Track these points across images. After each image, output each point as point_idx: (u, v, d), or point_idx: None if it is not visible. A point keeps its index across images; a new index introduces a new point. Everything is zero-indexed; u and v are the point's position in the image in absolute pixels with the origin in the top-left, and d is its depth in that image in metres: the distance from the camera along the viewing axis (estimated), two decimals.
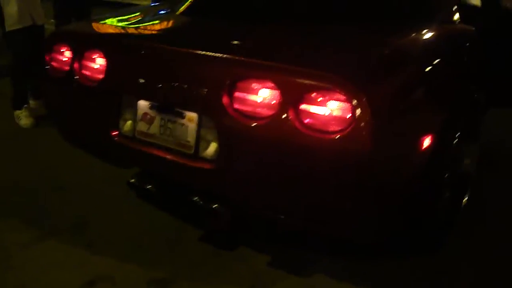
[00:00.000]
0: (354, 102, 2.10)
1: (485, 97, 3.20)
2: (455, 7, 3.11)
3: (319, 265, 2.83)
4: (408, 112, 2.33)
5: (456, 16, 3.10)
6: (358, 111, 2.09)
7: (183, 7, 3.30)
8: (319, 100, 2.19)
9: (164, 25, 3.16)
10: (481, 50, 3.13)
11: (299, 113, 2.21)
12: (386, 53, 2.49)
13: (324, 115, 2.18)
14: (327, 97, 2.17)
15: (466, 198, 3.20)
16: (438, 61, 2.61)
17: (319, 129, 2.19)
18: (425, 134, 2.40)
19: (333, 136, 2.15)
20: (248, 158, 2.36)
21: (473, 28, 3.12)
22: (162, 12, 3.41)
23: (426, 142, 2.40)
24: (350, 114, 2.12)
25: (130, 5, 4.86)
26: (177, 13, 3.26)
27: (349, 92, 2.11)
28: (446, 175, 2.72)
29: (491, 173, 3.74)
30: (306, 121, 2.20)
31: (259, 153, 2.32)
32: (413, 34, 2.75)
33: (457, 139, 2.72)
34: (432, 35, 2.78)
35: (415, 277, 2.75)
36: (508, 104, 3.81)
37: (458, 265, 2.83)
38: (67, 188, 3.61)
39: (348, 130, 2.12)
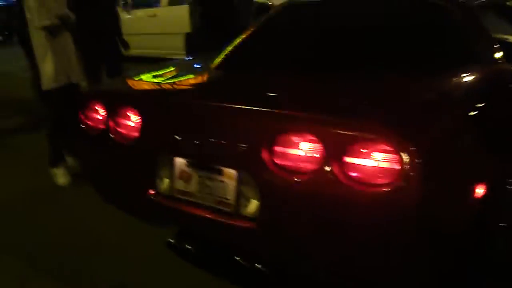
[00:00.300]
0: (401, 152, 1.98)
1: None
2: (496, 45, 3.00)
3: None
4: (457, 159, 2.19)
5: (499, 55, 2.98)
6: (406, 162, 1.98)
7: (217, 60, 3.25)
8: (363, 151, 2.08)
9: (198, 79, 3.11)
10: None
11: (343, 166, 2.10)
12: (430, 99, 2.37)
13: (370, 167, 2.07)
14: (371, 148, 2.06)
15: None
16: (484, 103, 2.48)
17: (365, 182, 2.07)
18: (477, 181, 2.24)
19: (381, 189, 2.03)
20: (291, 216, 2.25)
21: None
22: (196, 66, 3.38)
23: (479, 190, 2.25)
24: (398, 165, 2.00)
25: (161, 59, 4.91)
26: (212, 66, 3.21)
27: (395, 142, 2.00)
28: (502, 224, 2.55)
29: None
30: (351, 174, 2.09)
31: (303, 209, 2.21)
32: (456, 77, 2.64)
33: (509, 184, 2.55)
34: (475, 77, 2.67)
35: None
36: None
37: None
38: (104, 249, 3.53)
39: (396, 182, 2.01)
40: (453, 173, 2.14)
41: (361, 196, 2.07)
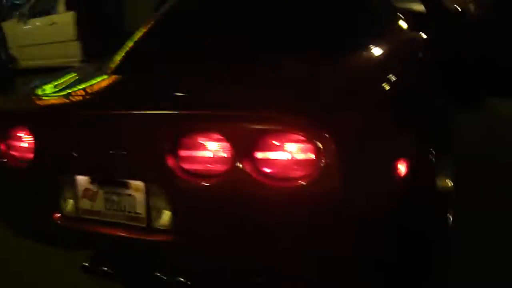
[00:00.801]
0: (315, 140, 1.86)
1: (450, 104, 3.01)
2: (398, 16, 2.93)
3: None
4: (375, 140, 2.09)
5: (405, 25, 2.92)
6: (320, 151, 1.85)
7: (112, 64, 3.02)
8: (275, 145, 1.94)
9: (92, 88, 2.84)
10: (438, 55, 2.95)
11: (255, 163, 1.95)
12: (339, 81, 2.25)
13: (283, 160, 1.94)
14: (283, 140, 1.93)
15: (450, 218, 2.94)
16: (396, 77, 2.39)
17: (280, 177, 1.94)
18: (399, 159, 2.15)
19: (298, 182, 1.90)
20: (207, 222, 2.09)
21: (423, 35, 2.95)
22: (90, 73, 3.11)
23: (401, 168, 2.16)
24: (313, 155, 1.88)
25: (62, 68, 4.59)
26: (107, 71, 2.97)
27: (307, 131, 1.87)
28: (428, 197, 2.48)
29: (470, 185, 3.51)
30: (265, 170, 1.95)
31: (218, 214, 2.05)
32: (365, 54, 2.55)
33: (431, 155, 2.48)
34: (385, 52, 2.59)
35: None
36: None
37: None
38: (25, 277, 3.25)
39: (313, 173, 1.88)
40: (372, 154, 2.04)
41: (277, 192, 1.94)
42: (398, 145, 2.19)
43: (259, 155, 1.95)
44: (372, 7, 2.97)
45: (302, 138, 1.88)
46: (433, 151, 2.53)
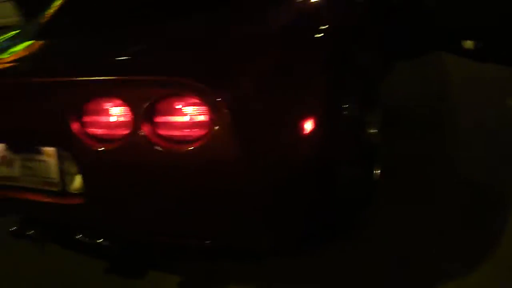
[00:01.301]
0: (208, 103, 1.89)
1: (382, 58, 3.01)
2: None
3: (234, 278, 2.62)
4: (276, 99, 2.10)
5: None
6: (215, 112, 1.88)
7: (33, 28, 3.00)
8: (171, 108, 1.97)
9: (10, 53, 2.82)
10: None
11: (154, 127, 1.99)
12: (233, 39, 2.26)
13: (179, 123, 1.97)
14: (177, 104, 1.96)
15: (377, 171, 2.99)
16: (299, 28, 2.39)
17: (177, 140, 1.97)
18: (304, 117, 2.16)
19: (194, 145, 1.94)
20: (112, 185, 2.13)
21: None
22: (12, 37, 3.09)
23: (308, 125, 2.18)
24: (208, 118, 1.91)
25: None
26: (29, 35, 2.95)
27: (199, 93, 1.89)
28: (345, 152, 2.52)
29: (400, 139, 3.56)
30: (162, 133, 1.98)
31: (122, 177, 2.09)
32: (265, 10, 2.51)
33: (348, 112, 2.49)
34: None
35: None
36: None
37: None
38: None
39: (209, 135, 1.91)
40: (268, 115, 2.06)
41: (174, 155, 1.97)
42: (300, 104, 2.19)
43: (157, 118, 1.98)
44: None
45: (197, 100, 1.91)
46: (353, 106, 2.55)
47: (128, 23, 2.66)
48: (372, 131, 2.98)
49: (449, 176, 3.11)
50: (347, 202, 2.58)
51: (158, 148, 1.97)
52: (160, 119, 1.98)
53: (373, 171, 2.93)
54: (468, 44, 3.47)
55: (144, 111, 1.98)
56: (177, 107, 1.96)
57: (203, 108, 1.92)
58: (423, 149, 3.45)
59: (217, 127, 1.89)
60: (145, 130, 1.98)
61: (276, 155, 2.06)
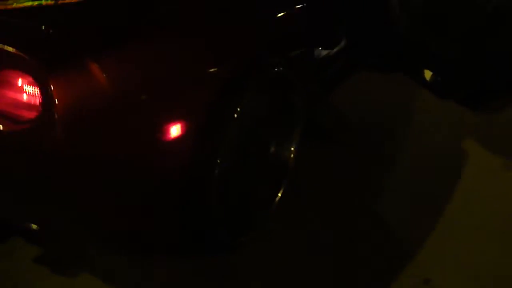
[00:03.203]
0: (38, 84, 1.72)
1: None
2: None
3: (88, 264, 2.48)
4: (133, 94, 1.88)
5: None
6: (42, 97, 1.71)
7: None
8: (6, 83, 1.80)
9: None
10: None
11: None
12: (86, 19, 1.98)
13: (10, 100, 1.80)
14: (10, 79, 1.78)
15: (280, 192, 2.73)
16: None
17: (10, 118, 1.80)
18: (165, 122, 1.95)
19: (20, 127, 1.77)
20: None
21: None
22: None
23: (174, 131, 1.96)
24: (38, 101, 1.74)
25: None
26: None
27: (28, 72, 1.73)
28: (231, 168, 2.31)
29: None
30: None
31: None
32: None
33: (237, 124, 2.22)
34: None
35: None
36: None
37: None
38: None
39: (34, 121, 1.74)
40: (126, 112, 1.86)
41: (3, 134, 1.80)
42: (168, 105, 1.98)
43: None
44: None
45: (24, 79, 1.76)
46: (246, 120, 2.29)
47: None
48: (280, 149, 2.75)
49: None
50: (231, 223, 2.40)
51: None
52: None
53: (276, 194, 2.71)
54: (428, 75, 3.18)
55: None
56: (13, 81, 1.79)
57: (31, 90, 1.76)
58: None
59: (41, 113, 1.72)
60: None
61: (123, 155, 1.88)
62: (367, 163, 3.23)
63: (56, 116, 1.71)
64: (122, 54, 1.88)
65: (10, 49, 1.73)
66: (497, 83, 3.06)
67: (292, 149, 2.78)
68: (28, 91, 1.78)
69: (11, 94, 1.80)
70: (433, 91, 3.22)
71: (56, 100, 1.69)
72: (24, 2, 1.94)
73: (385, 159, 3.27)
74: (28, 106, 1.78)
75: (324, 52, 3.13)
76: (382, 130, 3.58)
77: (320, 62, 3.08)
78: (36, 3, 1.94)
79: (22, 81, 1.78)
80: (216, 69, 2.15)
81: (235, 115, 2.19)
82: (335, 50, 3.26)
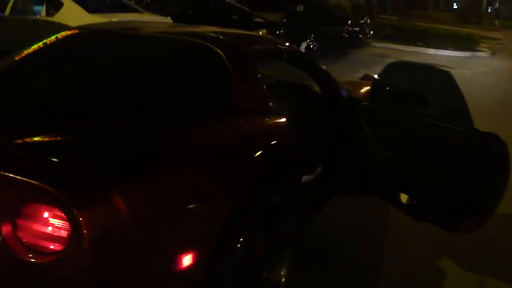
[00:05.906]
0: (69, 218, 1.75)
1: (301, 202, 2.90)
2: (266, 96, 2.85)
3: None
4: (145, 232, 1.94)
5: (267, 106, 2.83)
6: (73, 231, 1.75)
7: None
8: (31, 214, 1.83)
9: None
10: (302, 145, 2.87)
11: (16, 230, 1.83)
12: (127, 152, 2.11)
13: (38, 234, 1.83)
14: (40, 212, 1.82)
15: None
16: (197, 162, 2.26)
17: (36, 250, 1.82)
18: (181, 252, 2.04)
19: (46, 259, 1.80)
20: None
21: (286, 121, 2.87)
22: None
23: (186, 261, 2.05)
24: (66, 233, 1.78)
25: None
26: None
27: (62, 206, 1.75)
28: None
29: None
30: (25, 241, 1.83)
31: None
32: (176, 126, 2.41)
33: (242, 252, 2.30)
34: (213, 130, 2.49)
35: None
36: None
37: None
38: None
39: (65, 252, 1.78)
40: (139, 248, 1.91)
41: (30, 266, 1.81)
42: (182, 236, 2.07)
43: (19, 221, 1.84)
44: (227, 78, 2.76)
45: (58, 213, 1.78)
46: (249, 248, 2.39)
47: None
48: (274, 270, 2.81)
49: None
50: None
51: (15, 254, 1.82)
52: (20, 222, 1.84)
53: None
54: (404, 198, 3.36)
55: (8, 210, 1.83)
56: (37, 216, 1.83)
57: (63, 223, 1.78)
58: None
59: (74, 247, 1.75)
60: (4, 230, 1.83)
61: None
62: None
63: (83, 248, 1.75)
64: (142, 186, 1.98)
65: (36, 182, 1.77)
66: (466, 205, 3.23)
67: (282, 273, 2.83)
68: (54, 223, 1.81)
69: (36, 226, 1.83)
70: (409, 213, 3.39)
71: (84, 232, 1.74)
72: None
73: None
74: (55, 238, 1.81)
75: (307, 178, 3.27)
76: (358, 251, 3.68)
77: (303, 188, 3.21)
78: None
79: (48, 214, 1.82)
80: (223, 201, 2.28)
81: (238, 245, 2.28)
82: (314, 174, 3.40)
